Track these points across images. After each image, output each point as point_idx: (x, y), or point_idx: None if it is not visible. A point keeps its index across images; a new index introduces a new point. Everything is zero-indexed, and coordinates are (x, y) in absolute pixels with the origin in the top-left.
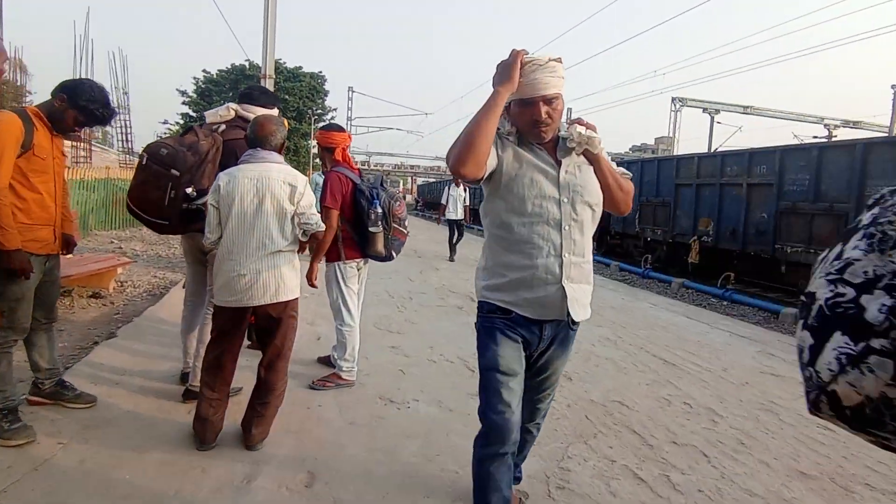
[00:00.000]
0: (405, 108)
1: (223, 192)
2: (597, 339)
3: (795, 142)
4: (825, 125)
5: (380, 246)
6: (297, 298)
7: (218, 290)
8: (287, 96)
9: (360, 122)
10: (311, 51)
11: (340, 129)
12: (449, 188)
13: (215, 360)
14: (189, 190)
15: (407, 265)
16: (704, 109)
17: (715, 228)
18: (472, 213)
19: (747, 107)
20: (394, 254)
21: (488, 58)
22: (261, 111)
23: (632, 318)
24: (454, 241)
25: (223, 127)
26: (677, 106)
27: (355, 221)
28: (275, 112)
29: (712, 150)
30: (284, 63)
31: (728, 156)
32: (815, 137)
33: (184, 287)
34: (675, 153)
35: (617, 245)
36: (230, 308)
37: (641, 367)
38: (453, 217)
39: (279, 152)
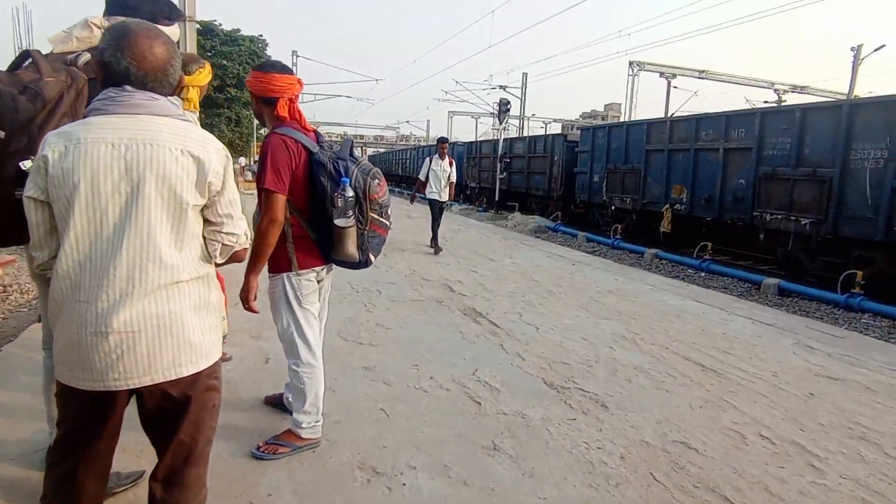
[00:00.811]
0: (354, 73)
1: (54, 172)
2: (612, 339)
3: (747, 107)
4: (775, 90)
5: (351, 247)
6: (217, 363)
7: (59, 356)
8: (225, 62)
9: (306, 89)
10: (249, 13)
11: (285, 69)
12: (431, 161)
13: (65, 477)
14: (26, 163)
15: None
16: (661, 73)
17: (689, 196)
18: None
19: (703, 71)
20: (372, 257)
21: (441, 20)
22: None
23: (638, 306)
24: (437, 227)
25: (85, 57)
26: (635, 70)
27: (313, 211)
28: (173, 31)
29: (670, 116)
30: (220, 25)
31: (704, 119)
32: (766, 102)
33: (40, 321)
34: (629, 119)
35: (581, 215)
36: (85, 394)
37: (681, 378)
38: (436, 198)
39: (175, 95)
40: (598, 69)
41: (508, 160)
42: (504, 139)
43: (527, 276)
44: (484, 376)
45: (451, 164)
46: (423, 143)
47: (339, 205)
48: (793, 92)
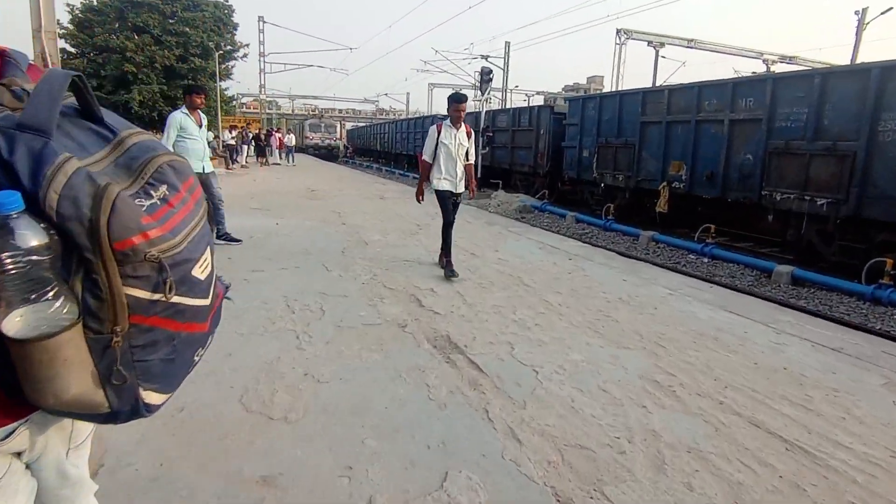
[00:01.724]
0: (327, 42)
1: None
2: (643, 390)
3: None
4: (764, 60)
5: (69, 381)
6: None
7: None
8: (188, 28)
9: (275, 58)
10: None
11: None
12: (440, 131)
13: None
14: None
15: (330, 237)
16: (649, 42)
17: (689, 173)
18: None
19: (691, 40)
20: (146, 397)
21: None
22: None
23: (661, 323)
24: (450, 232)
25: None
26: (622, 38)
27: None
28: None
29: (667, 84)
30: None
31: (707, 87)
32: (754, 73)
33: None
34: (619, 90)
35: (569, 192)
36: None
37: (761, 469)
38: (448, 188)
39: None
40: (582, 39)
41: (491, 134)
42: (486, 111)
43: (516, 279)
44: (458, 491)
45: (469, 136)
46: (402, 117)
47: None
48: (781, 62)
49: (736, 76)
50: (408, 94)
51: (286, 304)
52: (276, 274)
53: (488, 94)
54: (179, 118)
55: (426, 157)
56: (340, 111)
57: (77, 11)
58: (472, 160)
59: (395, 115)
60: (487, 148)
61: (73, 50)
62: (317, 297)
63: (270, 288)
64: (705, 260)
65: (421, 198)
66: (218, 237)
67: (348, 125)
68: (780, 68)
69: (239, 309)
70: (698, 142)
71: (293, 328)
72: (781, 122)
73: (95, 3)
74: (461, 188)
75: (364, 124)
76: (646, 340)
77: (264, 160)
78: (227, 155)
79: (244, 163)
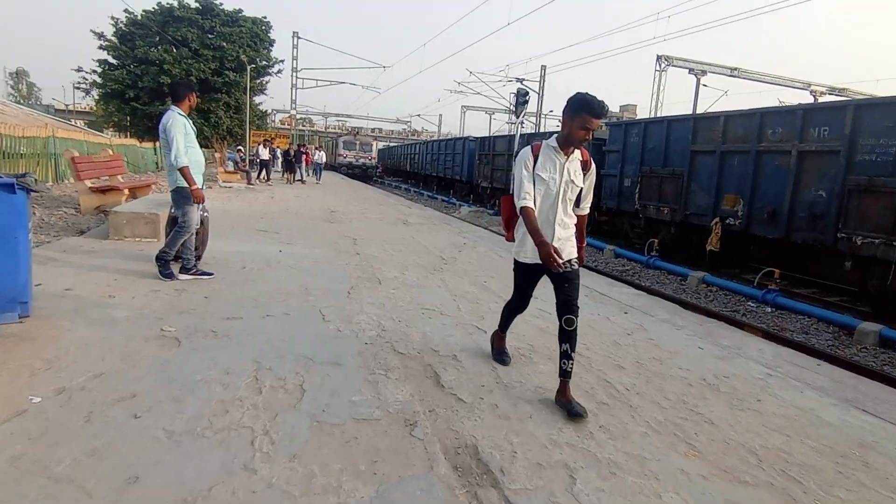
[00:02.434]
0: (361, 59)
1: None
2: None
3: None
4: (811, 91)
5: None
6: None
7: None
8: (224, 43)
9: (308, 73)
10: None
11: None
12: (536, 161)
13: None
14: None
15: (338, 271)
16: (691, 70)
17: (745, 208)
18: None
19: (734, 69)
20: None
21: (455, 4)
22: None
23: (779, 433)
24: (517, 313)
25: None
26: (663, 65)
27: None
28: None
29: (712, 112)
30: (221, 5)
31: (771, 114)
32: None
33: None
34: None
35: (606, 223)
36: None
37: None
38: (540, 258)
39: None
40: (619, 64)
41: None
42: (521, 135)
43: None
44: None
45: (586, 168)
46: (434, 138)
47: None
48: (830, 94)
49: (810, 102)
50: (440, 115)
51: (254, 376)
52: (257, 324)
53: (523, 117)
54: (184, 121)
55: (516, 198)
56: (372, 130)
57: (121, 24)
58: (585, 209)
59: (427, 136)
60: None
61: (114, 61)
62: (300, 365)
63: (241, 348)
64: (768, 309)
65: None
66: (183, 271)
67: (379, 144)
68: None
69: (185, 382)
70: (759, 174)
71: (251, 423)
72: (864, 155)
73: (139, 16)
74: (570, 252)
75: (395, 144)
76: (767, 466)
77: (291, 177)
78: (247, 170)
79: (268, 179)
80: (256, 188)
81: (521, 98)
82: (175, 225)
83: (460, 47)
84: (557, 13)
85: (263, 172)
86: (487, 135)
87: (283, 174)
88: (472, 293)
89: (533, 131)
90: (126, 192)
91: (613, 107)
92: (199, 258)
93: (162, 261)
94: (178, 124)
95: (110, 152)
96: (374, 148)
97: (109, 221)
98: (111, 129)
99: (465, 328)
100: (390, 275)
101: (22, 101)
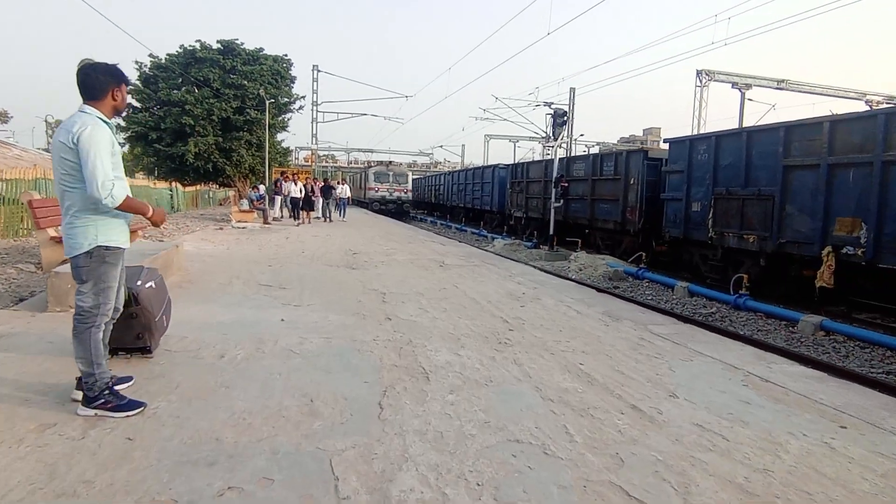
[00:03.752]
0: (382, 90)
1: None
2: None
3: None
4: (867, 101)
5: None
6: None
7: None
8: (245, 82)
9: (329, 107)
10: (273, 30)
11: None
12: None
13: None
14: None
15: (363, 360)
16: (734, 84)
17: (871, 235)
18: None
19: (782, 81)
20: None
21: (473, 22)
22: None
23: None
24: None
25: None
26: (704, 80)
27: None
28: None
29: (812, 118)
30: (243, 45)
31: None
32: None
33: None
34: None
35: (665, 254)
36: None
37: None
38: None
39: None
40: (650, 84)
41: (566, 184)
42: (560, 158)
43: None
44: None
45: None
46: (458, 168)
47: None
48: (888, 103)
49: None
50: (463, 145)
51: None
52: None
53: (561, 139)
54: (109, 134)
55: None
56: (391, 162)
57: (145, 69)
58: None
59: (449, 167)
60: (561, 201)
61: (138, 104)
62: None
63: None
64: None
65: None
66: (87, 403)
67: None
68: None
69: None
70: (887, 191)
71: None
72: None
73: (163, 60)
74: None
75: (417, 176)
76: None
77: (307, 216)
78: (263, 208)
79: (279, 215)
80: (272, 227)
81: (559, 119)
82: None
83: (484, 71)
84: (590, 29)
85: (287, 210)
86: (512, 162)
87: (291, 214)
88: (572, 391)
89: (566, 155)
90: None
91: (636, 130)
92: (146, 350)
93: (90, 388)
94: (101, 138)
95: None
96: (409, 179)
97: (48, 286)
98: (141, 173)
99: (601, 495)
100: (440, 359)
101: None
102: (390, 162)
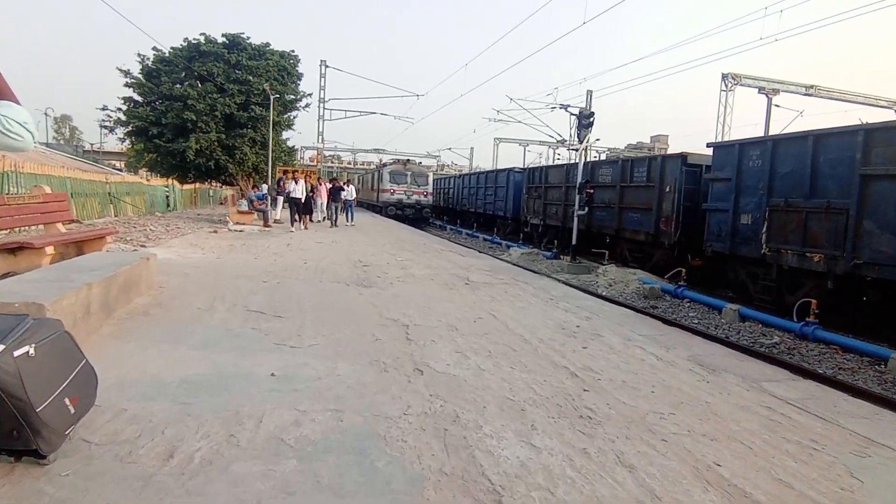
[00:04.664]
0: (392, 87)
1: None
2: None
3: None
4: None
5: None
6: None
7: None
8: (251, 77)
9: (336, 104)
10: (280, 24)
11: None
12: None
13: None
14: None
15: (398, 457)
16: (761, 89)
17: None
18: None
19: (810, 87)
20: None
21: (494, 15)
22: None
23: None
24: None
25: None
26: (729, 84)
27: None
28: None
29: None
30: (248, 39)
31: None
32: None
33: None
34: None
35: (703, 269)
36: None
37: None
38: None
39: None
40: (658, 94)
41: (591, 191)
42: (584, 162)
43: None
44: None
45: None
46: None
47: None
48: None
49: None
50: (472, 148)
51: None
52: None
53: (587, 142)
54: None
55: None
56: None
57: (148, 62)
58: None
59: (455, 170)
60: (586, 209)
61: (139, 99)
62: None
63: None
64: None
65: None
66: None
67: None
68: None
69: None
70: None
71: None
72: None
73: (167, 53)
74: None
75: (454, 173)
76: None
77: (306, 219)
78: (264, 209)
79: (278, 217)
80: (273, 231)
81: (585, 120)
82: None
83: (501, 69)
84: (611, 28)
85: (274, 209)
86: (525, 166)
87: (291, 219)
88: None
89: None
90: (50, 250)
91: (644, 137)
92: (37, 454)
93: None
94: None
95: (46, 190)
96: (429, 181)
97: None
98: (144, 169)
99: None
100: (509, 456)
101: (65, 144)
102: (408, 160)
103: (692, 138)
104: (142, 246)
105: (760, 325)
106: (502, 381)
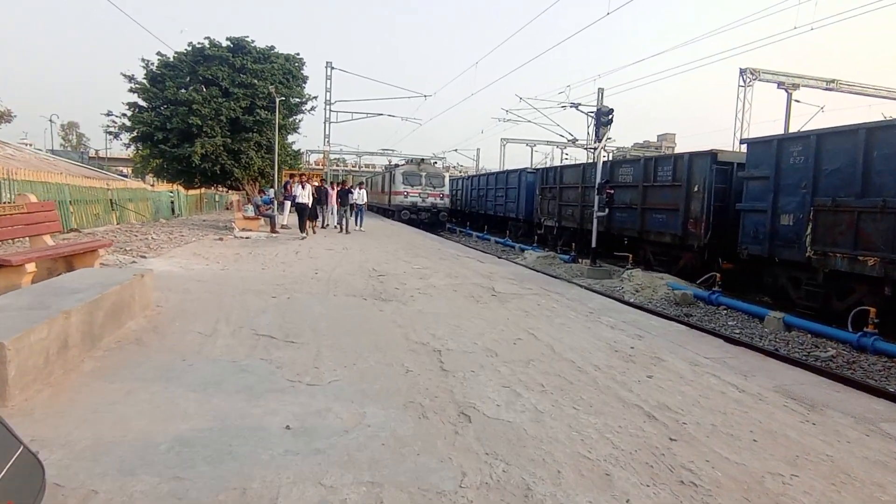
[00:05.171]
0: (399, 88)
1: None
2: None
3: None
4: None
5: None
6: None
7: None
8: (256, 81)
9: (342, 106)
10: (285, 27)
11: None
12: None
13: None
14: None
15: None
16: (780, 84)
17: None
18: None
19: (831, 81)
20: None
21: (504, 11)
22: None
23: None
24: None
25: None
26: (748, 79)
27: None
28: None
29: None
30: (253, 42)
31: None
32: None
33: None
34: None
35: (735, 272)
36: None
37: None
38: None
39: None
40: (665, 93)
41: (611, 191)
42: (603, 162)
43: None
44: None
45: None
46: (478, 173)
47: None
48: None
49: None
50: (478, 149)
51: None
52: None
53: (605, 140)
54: None
55: None
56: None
57: (153, 67)
58: None
59: (462, 172)
60: (606, 210)
61: (144, 104)
62: None
63: None
64: None
65: None
66: None
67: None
68: None
69: None
70: None
71: None
72: None
73: (171, 58)
74: None
75: (475, 173)
76: None
77: (314, 225)
78: (271, 215)
79: (286, 223)
80: (280, 237)
81: (604, 117)
82: None
83: (511, 68)
84: (620, 27)
85: (281, 213)
86: (535, 166)
87: (301, 225)
88: None
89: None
90: (31, 267)
91: (650, 136)
92: None
93: None
94: None
95: (32, 199)
96: (446, 182)
97: None
98: (151, 175)
99: None
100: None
101: (72, 151)
102: (423, 159)
103: (700, 137)
104: (142, 257)
105: (810, 335)
106: (569, 428)
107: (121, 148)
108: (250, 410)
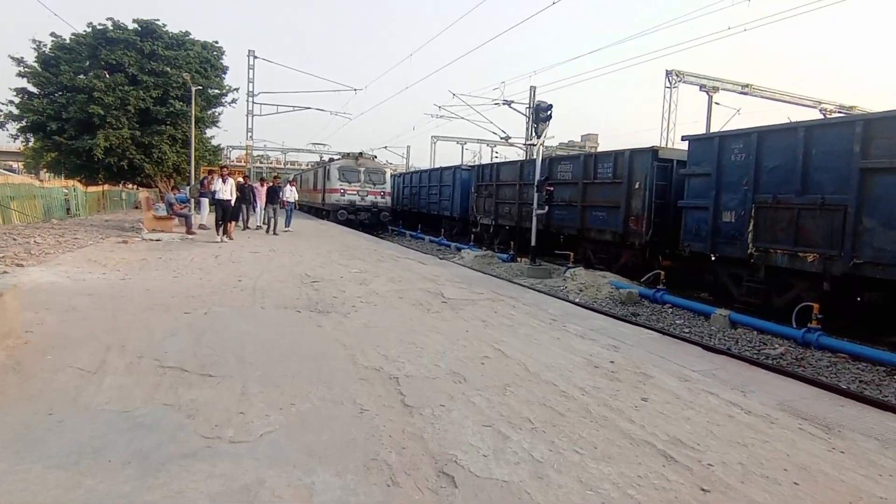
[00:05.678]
0: (328, 81)
1: None
2: None
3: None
4: (821, 110)
5: None
6: None
7: None
8: (168, 69)
9: (267, 99)
10: (203, 12)
11: None
12: None
13: None
14: None
15: None
16: (702, 87)
17: None
18: None
19: (746, 86)
20: None
21: (431, 13)
22: None
23: None
24: None
25: None
26: (673, 81)
27: None
28: None
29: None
30: (165, 27)
31: None
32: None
33: None
34: (661, 143)
35: (673, 270)
36: None
37: None
38: None
39: None
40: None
41: (551, 188)
42: (542, 159)
43: None
44: None
45: None
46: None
47: None
48: (839, 112)
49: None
50: (408, 147)
51: None
52: None
53: (544, 136)
54: None
55: None
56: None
57: (45, 49)
58: None
59: (394, 170)
60: (546, 208)
61: (34, 90)
62: None
63: None
64: None
65: None
66: None
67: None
68: None
69: None
70: None
71: None
72: None
73: (67, 40)
74: None
75: (425, 168)
76: None
77: (231, 228)
78: (186, 214)
79: (204, 222)
80: (197, 239)
81: (543, 113)
82: None
83: (446, 62)
84: (553, 26)
85: (200, 211)
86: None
87: (216, 226)
88: None
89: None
90: None
91: (574, 135)
92: None
93: None
94: None
95: None
96: (387, 178)
97: None
98: (45, 170)
99: None
100: None
101: None
102: (361, 153)
103: (622, 137)
104: (17, 265)
105: (755, 332)
106: (581, 485)
107: (7, 139)
108: (143, 497)
